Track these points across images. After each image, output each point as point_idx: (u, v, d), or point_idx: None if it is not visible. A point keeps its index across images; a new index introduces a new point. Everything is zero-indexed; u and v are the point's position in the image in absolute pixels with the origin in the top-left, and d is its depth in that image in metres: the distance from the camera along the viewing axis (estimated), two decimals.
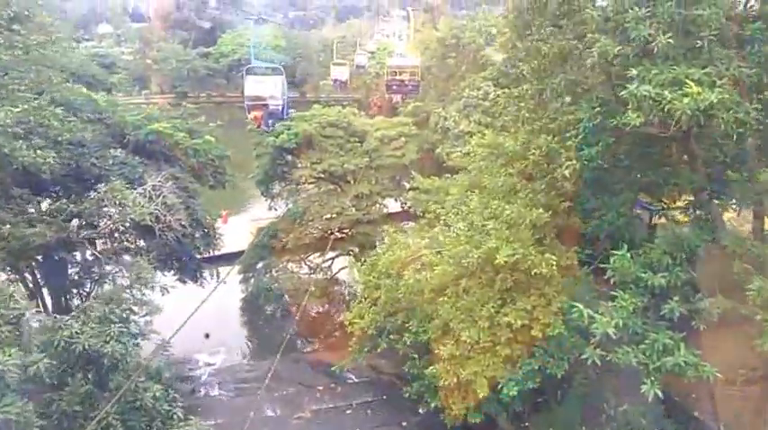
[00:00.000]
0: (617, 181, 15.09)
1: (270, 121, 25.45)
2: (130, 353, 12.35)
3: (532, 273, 12.73)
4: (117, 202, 16.53)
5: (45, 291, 22.13)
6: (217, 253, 38.58)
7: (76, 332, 11.03)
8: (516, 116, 15.94)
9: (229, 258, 35.31)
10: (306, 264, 30.67)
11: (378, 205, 29.01)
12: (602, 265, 12.33)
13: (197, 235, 22.05)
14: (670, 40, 9.71)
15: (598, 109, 12.28)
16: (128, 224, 17.05)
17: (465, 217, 17.56)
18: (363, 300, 18.40)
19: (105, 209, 16.92)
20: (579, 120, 12.62)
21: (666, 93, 9.32)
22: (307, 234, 28.05)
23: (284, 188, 30.54)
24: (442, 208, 20.39)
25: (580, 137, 12.32)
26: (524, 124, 15.89)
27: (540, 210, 13.34)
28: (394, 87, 33.92)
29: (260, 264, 30.74)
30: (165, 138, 20.74)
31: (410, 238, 20.03)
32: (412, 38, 38.64)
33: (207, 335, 29.53)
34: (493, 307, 13.34)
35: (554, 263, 12.58)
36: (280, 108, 23.02)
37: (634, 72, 9.86)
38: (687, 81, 9.47)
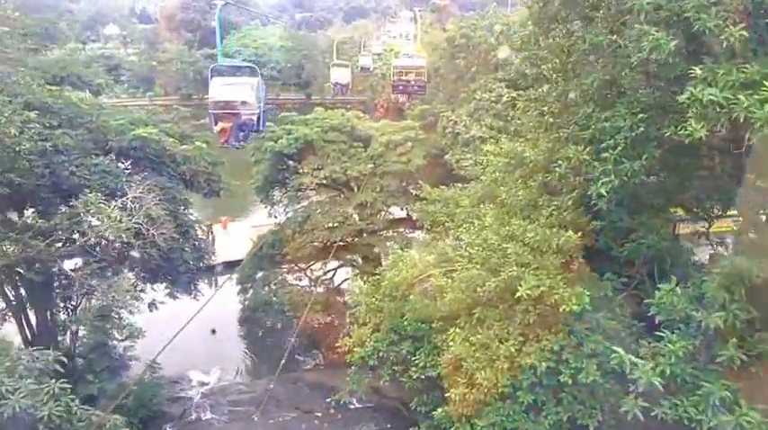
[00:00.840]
0: (653, 196, 13.05)
1: (241, 134, 17.69)
2: (78, 416, 9.87)
3: (560, 309, 10.74)
4: (91, 218, 14.61)
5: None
6: (216, 261, 37.31)
7: (7, 390, 8.84)
8: (539, 122, 13.92)
9: (229, 266, 33.63)
10: (306, 275, 28.79)
11: (382, 214, 27.07)
12: (645, 301, 10.32)
13: (186, 247, 20.15)
14: (743, 32, 7.69)
15: (641, 116, 10.26)
16: (105, 240, 15.12)
17: (478, 232, 15.65)
18: (365, 324, 16.42)
19: (77, 225, 15.01)
20: (617, 128, 10.59)
21: (742, 97, 7.30)
22: (307, 244, 26.11)
23: (284, 195, 28.66)
24: (452, 220, 18.44)
25: (619, 148, 10.29)
26: (547, 131, 13.89)
27: (569, 233, 11.34)
28: (400, 87, 32.03)
29: (259, 274, 28.93)
30: (151, 145, 18.83)
31: (417, 253, 18.03)
32: (419, 39, 36.63)
33: (213, 331, 28.71)
34: (513, 345, 11.34)
35: (587, 297, 10.59)
36: (254, 118, 16.55)
37: (698, 71, 7.85)
38: (765, 83, 7.46)
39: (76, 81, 21.02)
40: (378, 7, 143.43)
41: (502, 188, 15.33)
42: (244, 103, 15.97)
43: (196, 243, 21.09)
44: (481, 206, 16.96)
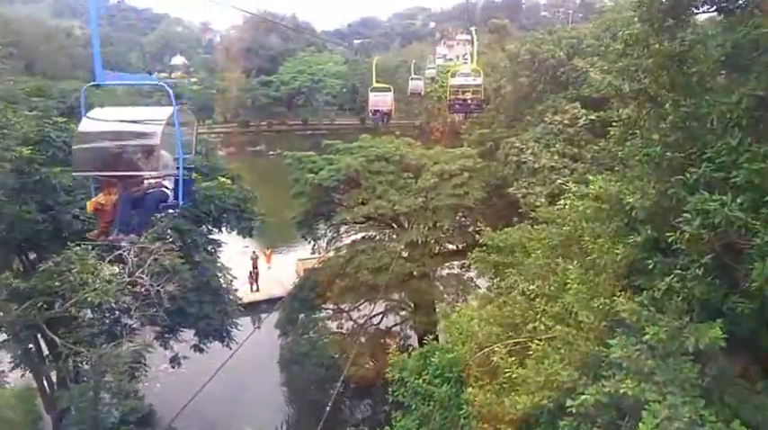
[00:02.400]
0: None
1: (135, 220, 8.08)
2: None
3: None
4: (76, 276, 11.70)
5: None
6: (260, 297, 34.51)
7: None
8: (645, 155, 9.92)
9: (273, 303, 30.67)
10: (351, 319, 25.29)
11: (435, 254, 23.32)
12: None
13: (206, 299, 17.10)
14: None
15: None
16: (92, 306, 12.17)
17: (557, 294, 11.82)
18: (409, 412, 12.65)
19: (60, 283, 12.14)
20: None
21: None
22: (350, 288, 22.72)
23: (328, 229, 25.48)
24: (520, 274, 14.53)
25: None
26: (659, 168, 9.86)
27: (714, 330, 7.29)
28: (457, 107, 30.25)
29: (301, 316, 25.71)
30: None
31: (477, 318, 14.17)
32: (477, 59, 33.08)
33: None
34: None
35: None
36: (170, 185, 8.68)
37: None
38: None
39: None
40: (435, 31, 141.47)
41: (588, 239, 11.37)
42: (146, 154, 7.61)
43: (221, 293, 17.97)
44: (559, 260, 13.02)
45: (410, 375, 13.11)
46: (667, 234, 8.69)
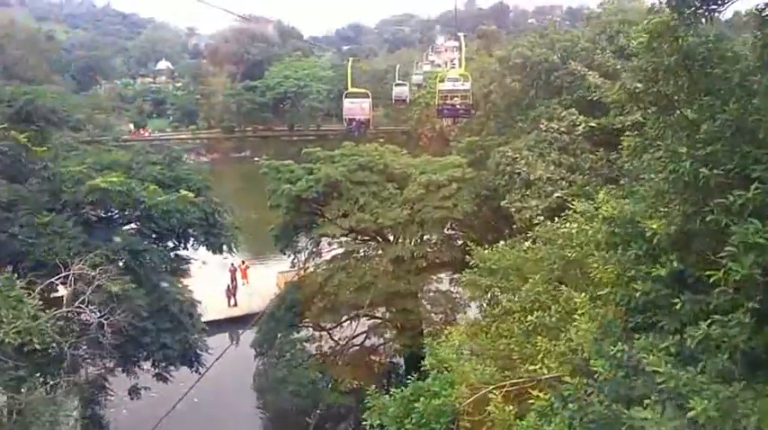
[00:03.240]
0: None
1: None
2: None
3: None
4: None
5: None
6: (237, 312, 32.45)
7: None
8: (672, 172, 8.14)
9: (252, 319, 28.64)
10: (333, 339, 23.32)
11: (422, 272, 21.49)
12: None
13: (164, 326, 15.13)
14: None
15: None
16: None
17: (560, 328, 10.21)
18: None
19: None
20: None
21: None
22: (330, 308, 20.83)
23: (309, 242, 23.55)
24: (516, 300, 12.75)
25: None
26: (687, 187, 8.12)
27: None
28: (445, 112, 29.48)
29: (279, 335, 23.67)
30: (114, 197, 14.05)
31: (466, 353, 12.34)
32: (465, 65, 31.65)
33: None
34: None
35: None
36: None
37: None
38: None
39: (51, 117, 16.61)
40: (423, 37, 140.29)
41: (596, 267, 9.60)
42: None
43: (182, 319, 15.98)
44: (562, 288, 11.26)
45: (391, 423, 11.22)
46: (708, 272, 6.92)
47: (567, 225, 12.12)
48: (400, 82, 37.35)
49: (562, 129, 18.04)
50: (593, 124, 17.17)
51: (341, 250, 22.28)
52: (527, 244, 14.65)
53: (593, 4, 31.94)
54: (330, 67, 78.64)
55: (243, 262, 33.58)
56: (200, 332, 16.97)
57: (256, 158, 67.11)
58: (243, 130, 75.39)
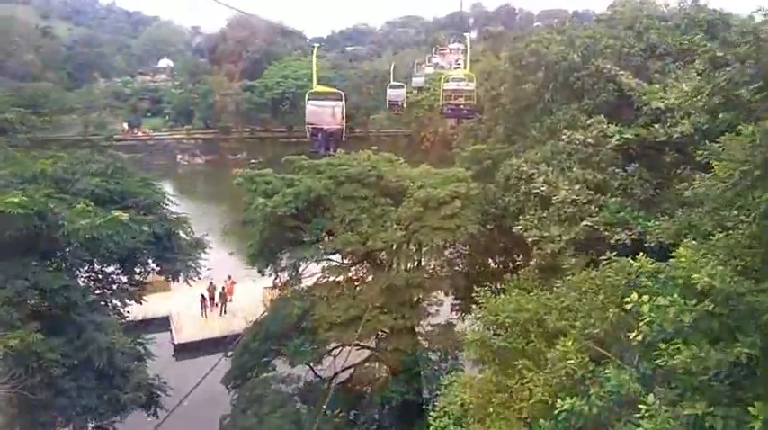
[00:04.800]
0: None
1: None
2: None
3: None
4: None
5: None
6: (216, 334, 29.02)
7: None
8: None
9: (231, 342, 25.26)
10: (314, 372, 19.93)
11: (420, 305, 18.09)
12: None
13: (88, 384, 11.74)
14: None
15: None
16: None
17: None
18: None
19: None
20: None
21: None
22: (309, 347, 17.44)
23: (288, 264, 20.14)
24: (540, 375, 9.36)
25: None
26: None
27: None
28: (449, 112, 27.99)
29: (252, 372, 20.30)
30: (19, 223, 10.68)
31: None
32: (469, 66, 28.68)
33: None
34: None
35: None
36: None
37: None
38: None
39: None
40: (428, 39, 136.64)
41: (666, 348, 6.21)
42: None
43: (113, 374, 12.58)
44: (609, 369, 7.86)
45: None
46: None
47: (613, 275, 8.73)
48: (396, 83, 33.51)
49: (589, 140, 14.59)
50: (628, 135, 13.75)
51: (323, 278, 18.83)
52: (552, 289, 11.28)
53: (599, 9, 28.78)
54: (331, 67, 75.16)
55: (229, 277, 30.05)
56: (138, 389, 13.48)
57: (253, 161, 63.83)
58: (240, 131, 71.92)
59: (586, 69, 20.63)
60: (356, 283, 18.41)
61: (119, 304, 14.52)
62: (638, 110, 18.07)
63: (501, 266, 21.85)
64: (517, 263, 19.99)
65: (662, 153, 14.27)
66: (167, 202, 16.20)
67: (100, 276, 14.11)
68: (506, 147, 23.18)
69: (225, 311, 29.01)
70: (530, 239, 14.09)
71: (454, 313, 21.68)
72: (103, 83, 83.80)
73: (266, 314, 19.88)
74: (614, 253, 9.73)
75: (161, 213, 14.87)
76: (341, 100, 16.10)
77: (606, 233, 12.87)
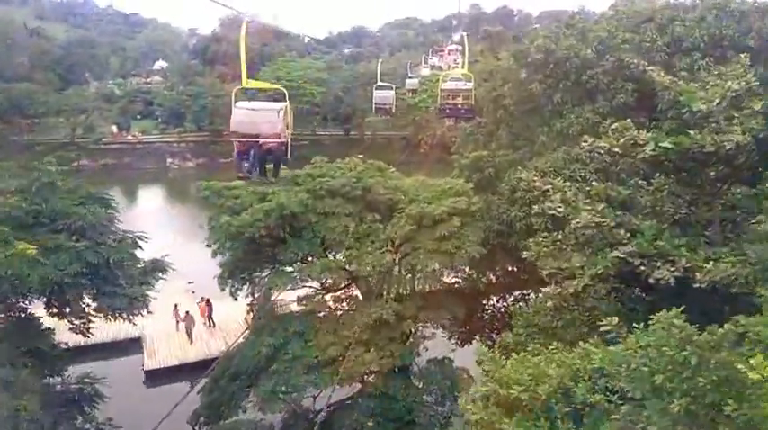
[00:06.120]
0: None
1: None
2: None
3: None
4: None
5: None
6: (190, 358, 26.16)
7: None
8: None
9: (207, 368, 22.49)
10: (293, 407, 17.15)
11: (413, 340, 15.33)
12: None
13: None
14: None
15: None
16: None
17: None
18: None
19: None
20: None
21: None
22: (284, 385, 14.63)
23: (261, 292, 17.35)
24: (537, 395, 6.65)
25: None
26: None
27: None
28: (447, 111, 26.81)
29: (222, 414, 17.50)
30: None
31: None
32: (467, 64, 26.23)
33: None
34: None
35: None
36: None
37: None
38: None
39: None
40: (426, 41, 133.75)
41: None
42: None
43: None
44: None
45: None
46: None
47: (682, 352, 5.98)
48: (383, 84, 30.30)
49: (615, 149, 11.85)
50: (666, 144, 11.01)
51: (301, 302, 16.06)
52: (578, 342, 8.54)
53: (599, 10, 26.34)
54: (326, 68, 72.36)
55: (202, 298, 27.02)
56: None
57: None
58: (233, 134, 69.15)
59: (601, 66, 17.93)
60: (339, 315, 15.62)
61: (45, 348, 11.77)
62: (661, 112, 15.43)
63: (504, 287, 19.17)
64: (522, 279, 17.32)
65: (705, 165, 11.54)
66: (113, 222, 13.46)
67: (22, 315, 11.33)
68: (510, 154, 20.42)
69: (191, 340, 25.86)
70: (545, 272, 11.32)
71: (452, 341, 18.99)
72: (96, 85, 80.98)
73: (235, 346, 17.07)
74: (653, 294, 7.14)
75: (99, 238, 12.07)
76: (284, 100, 11.16)
77: (643, 268, 10.13)
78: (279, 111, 10.65)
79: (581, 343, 8.51)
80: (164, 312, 28.03)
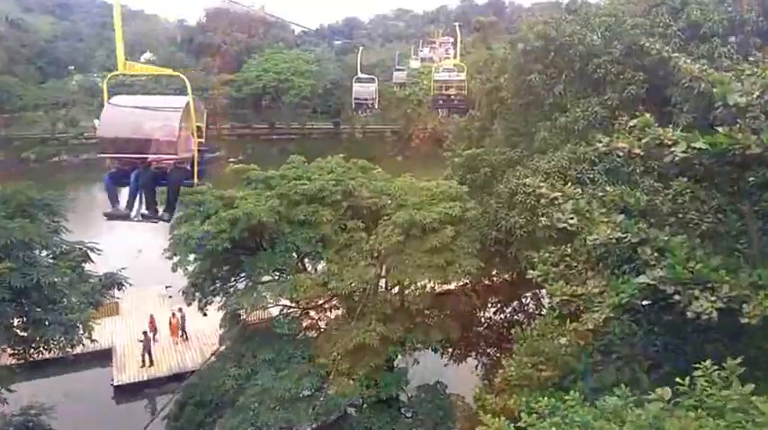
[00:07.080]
0: None
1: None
2: None
3: None
4: None
5: None
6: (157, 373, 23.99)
7: None
8: None
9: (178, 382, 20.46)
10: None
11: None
12: None
13: None
14: None
15: None
16: None
17: None
18: None
19: None
20: None
21: None
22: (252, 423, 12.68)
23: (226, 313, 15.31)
24: None
25: None
26: None
27: None
28: (440, 102, 25.83)
29: None
30: None
31: None
32: (459, 56, 24.85)
33: None
34: None
35: None
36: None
37: None
38: None
39: None
40: (418, 33, 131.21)
41: None
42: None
43: None
44: None
45: None
46: None
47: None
48: (363, 77, 27.95)
49: (637, 150, 9.94)
50: (700, 145, 9.11)
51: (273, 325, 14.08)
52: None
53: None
54: (315, 60, 69.91)
55: (173, 314, 24.71)
56: None
57: (231, 159, 58.80)
58: (218, 128, 66.72)
59: (609, 54, 15.97)
60: (316, 337, 13.69)
61: None
62: (674, 106, 13.68)
63: (503, 302, 17.34)
64: (527, 306, 15.44)
65: (744, 169, 9.68)
66: (59, 232, 11.49)
67: None
68: (509, 152, 18.42)
69: (143, 362, 23.59)
70: (555, 300, 9.40)
71: (445, 359, 17.11)
72: (80, 78, 78.13)
73: (198, 373, 15.11)
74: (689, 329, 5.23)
75: (26, 256, 10.04)
76: (186, 94, 7.63)
77: (678, 296, 8.25)
78: (179, 111, 7.35)
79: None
80: (138, 319, 26.20)
